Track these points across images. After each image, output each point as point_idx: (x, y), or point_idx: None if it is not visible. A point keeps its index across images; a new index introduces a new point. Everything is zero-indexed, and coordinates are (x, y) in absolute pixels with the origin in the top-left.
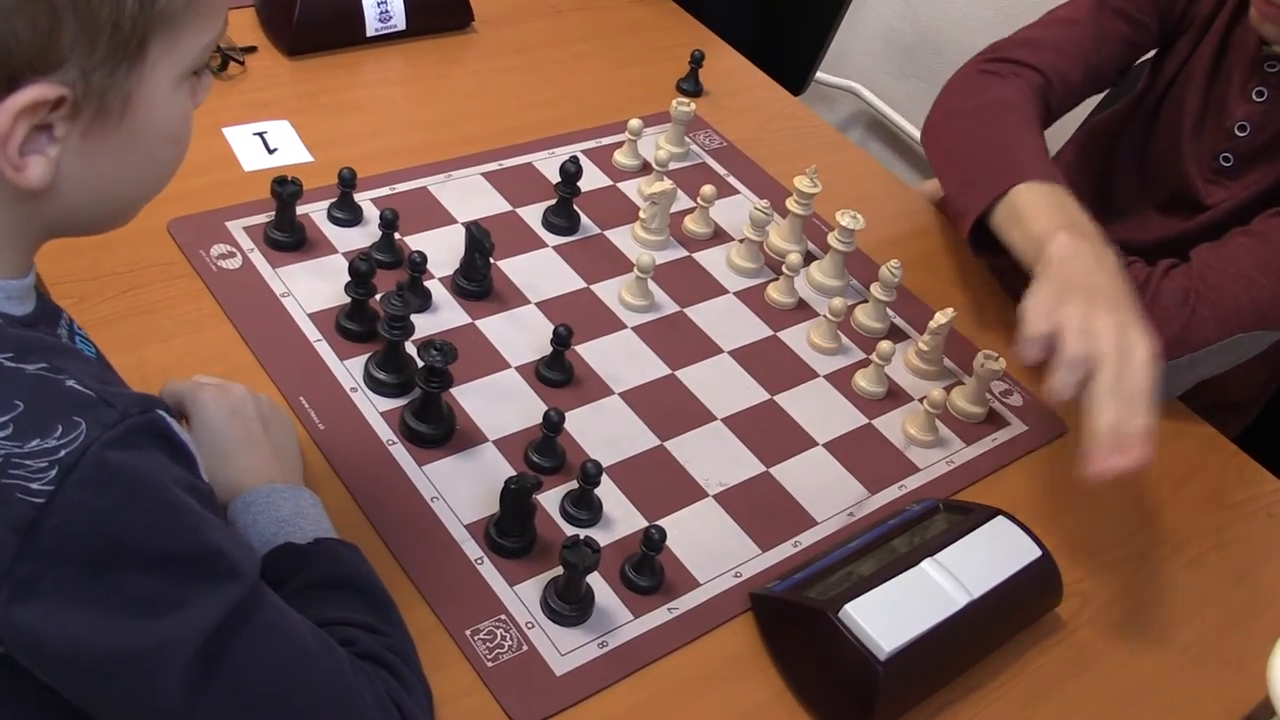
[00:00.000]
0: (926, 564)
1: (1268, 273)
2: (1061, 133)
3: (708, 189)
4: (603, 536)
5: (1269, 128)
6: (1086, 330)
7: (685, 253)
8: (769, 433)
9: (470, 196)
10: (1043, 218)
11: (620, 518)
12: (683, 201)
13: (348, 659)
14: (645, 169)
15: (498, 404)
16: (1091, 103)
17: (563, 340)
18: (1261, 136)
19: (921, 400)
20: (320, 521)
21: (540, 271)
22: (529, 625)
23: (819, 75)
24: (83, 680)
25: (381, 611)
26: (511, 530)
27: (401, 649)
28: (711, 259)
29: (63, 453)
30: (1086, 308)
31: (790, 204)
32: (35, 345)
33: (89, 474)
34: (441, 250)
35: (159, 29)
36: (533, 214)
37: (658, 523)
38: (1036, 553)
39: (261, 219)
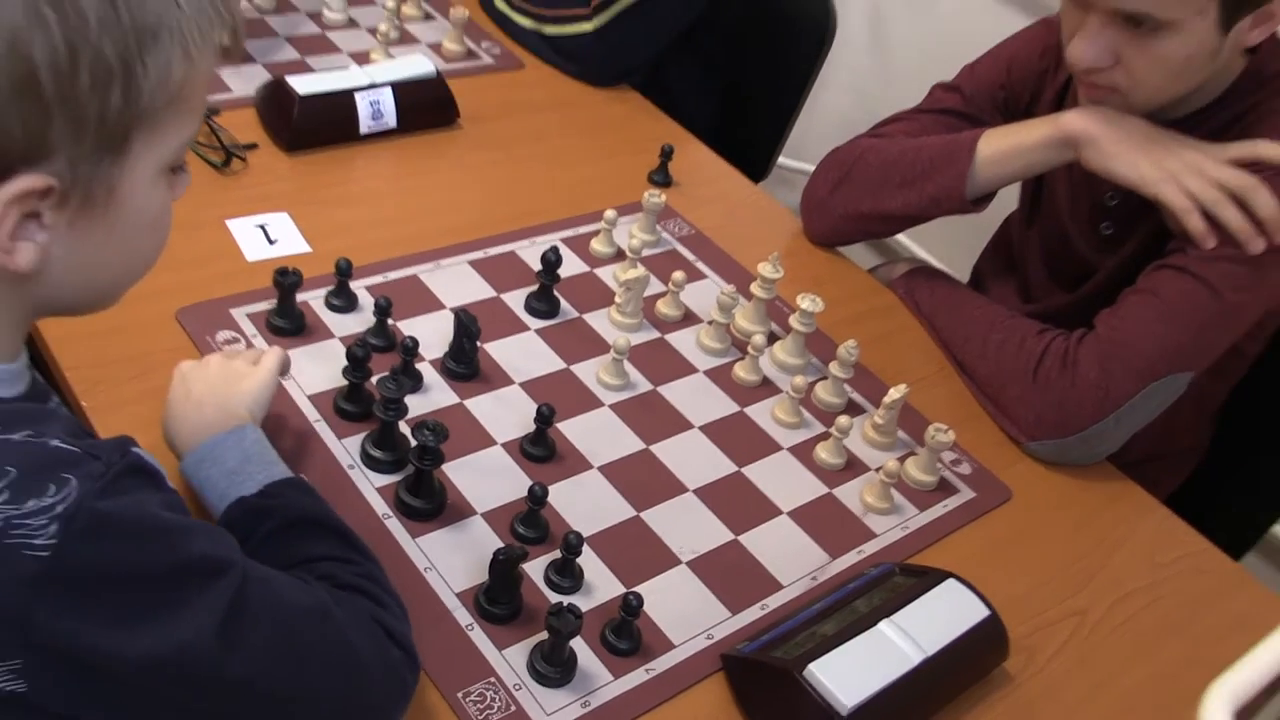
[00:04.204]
0: (884, 624)
1: (1164, 320)
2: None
3: (678, 274)
4: (584, 603)
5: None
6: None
7: (658, 334)
8: (737, 502)
9: (458, 283)
10: (1025, 126)
11: (600, 585)
12: (655, 286)
13: (330, 597)
14: (620, 256)
15: (485, 479)
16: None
17: (545, 419)
18: (1132, 199)
19: (878, 470)
20: (266, 460)
21: (524, 354)
22: (516, 687)
23: (780, 160)
24: (141, 688)
25: (346, 541)
26: (500, 598)
27: (372, 572)
28: (682, 340)
29: (60, 508)
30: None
31: (755, 288)
32: (17, 415)
33: (86, 524)
34: (432, 335)
35: (142, 125)
36: (516, 299)
37: (635, 589)
38: (985, 612)
39: (264, 306)
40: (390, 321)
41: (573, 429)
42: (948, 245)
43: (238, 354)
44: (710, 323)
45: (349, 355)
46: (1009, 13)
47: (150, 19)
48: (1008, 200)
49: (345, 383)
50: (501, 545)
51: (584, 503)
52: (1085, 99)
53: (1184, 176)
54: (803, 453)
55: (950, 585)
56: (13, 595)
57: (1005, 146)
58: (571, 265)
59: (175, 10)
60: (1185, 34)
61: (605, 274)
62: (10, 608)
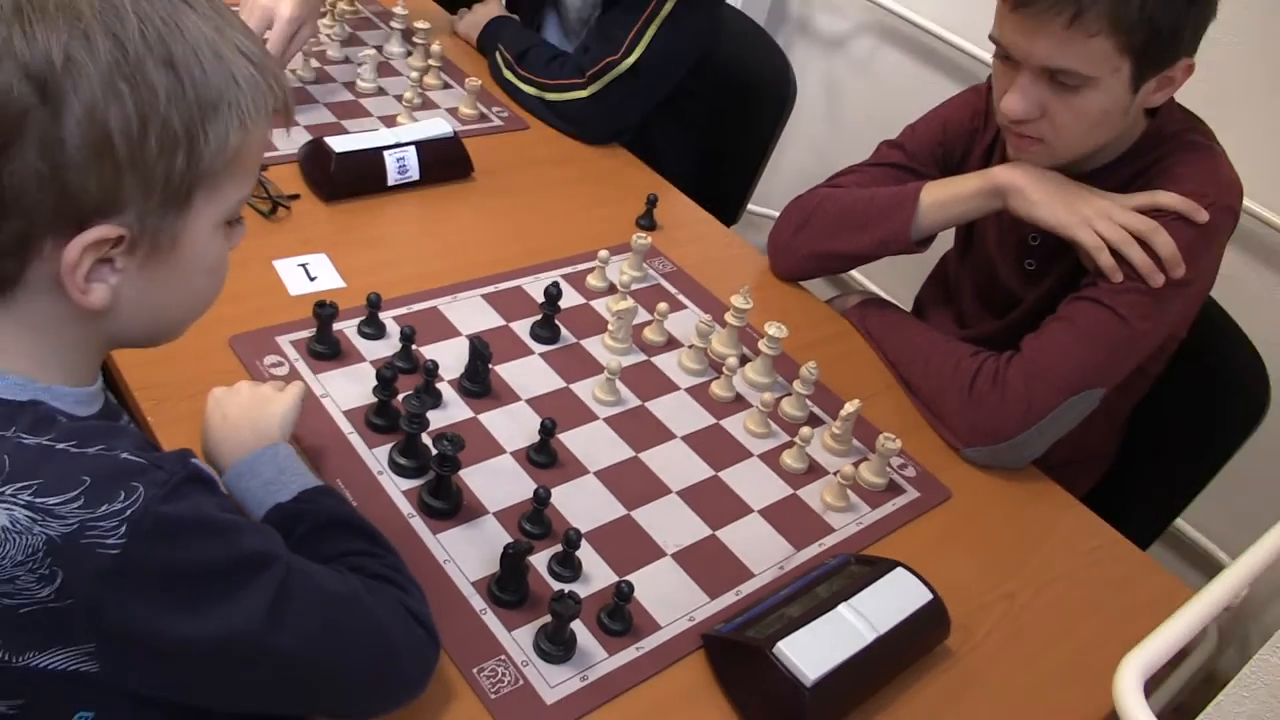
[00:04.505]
0: (842, 607)
1: (1080, 344)
2: (924, 270)
3: (662, 306)
4: (583, 590)
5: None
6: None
7: (645, 357)
8: (714, 502)
9: (472, 314)
10: (961, 179)
11: (596, 574)
12: (642, 316)
13: (362, 585)
14: (612, 289)
15: (496, 483)
16: (944, 245)
17: (548, 430)
18: (1051, 240)
19: (835, 474)
20: (298, 472)
21: (529, 374)
22: (524, 663)
23: (749, 207)
24: (200, 666)
25: (371, 538)
26: (509, 586)
27: (394, 563)
28: (666, 362)
29: (129, 512)
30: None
31: (728, 317)
32: (92, 431)
33: (152, 526)
34: (450, 358)
35: (202, 184)
36: (522, 328)
37: (627, 578)
38: (929, 596)
39: (305, 334)
40: (414, 347)
41: (572, 439)
42: (893, 279)
43: (262, 383)
44: (690, 347)
45: (378, 376)
46: (943, 81)
47: (212, 94)
48: (945, 239)
49: (375, 400)
50: (510, 540)
51: (582, 503)
52: (1013, 148)
53: (1096, 221)
54: (770, 459)
55: (899, 573)
56: (87, 588)
57: (944, 196)
58: (570, 298)
59: (234, 87)
60: (1102, 90)
61: (599, 305)
62: (85, 598)
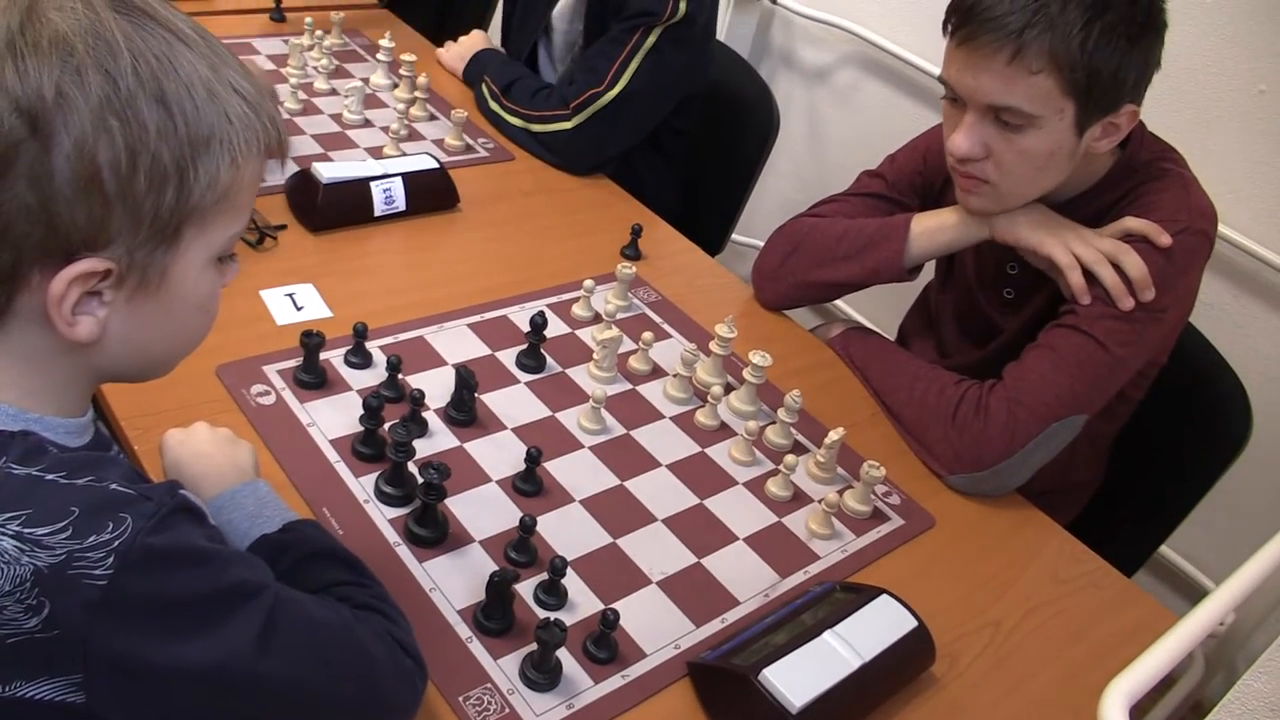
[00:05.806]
0: (827, 634)
1: (1060, 371)
2: (907, 300)
3: (647, 335)
4: (568, 618)
5: (1029, 263)
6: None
7: (630, 386)
8: (699, 530)
9: (458, 343)
10: (947, 209)
11: (582, 602)
12: (627, 345)
13: (350, 614)
14: (597, 319)
15: (482, 511)
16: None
17: (534, 459)
18: (1028, 271)
19: (820, 501)
20: (280, 506)
21: (515, 403)
22: (510, 691)
23: (733, 237)
24: (188, 696)
25: (356, 569)
26: (495, 614)
27: (380, 594)
28: (651, 391)
29: (116, 543)
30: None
31: (713, 346)
32: (81, 462)
33: (139, 558)
34: (436, 387)
35: (192, 219)
36: (508, 357)
37: (612, 605)
38: (913, 623)
39: (291, 364)
40: (400, 376)
41: (557, 468)
42: (877, 308)
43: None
44: (675, 376)
45: (365, 405)
46: (922, 112)
47: (203, 131)
48: (929, 270)
49: (362, 429)
50: (496, 568)
51: (568, 531)
52: (960, 191)
53: (1071, 242)
54: (755, 487)
55: (884, 600)
56: (74, 619)
57: (933, 224)
58: (556, 327)
59: (226, 124)
60: (1046, 131)
61: (585, 334)
62: (72, 629)
